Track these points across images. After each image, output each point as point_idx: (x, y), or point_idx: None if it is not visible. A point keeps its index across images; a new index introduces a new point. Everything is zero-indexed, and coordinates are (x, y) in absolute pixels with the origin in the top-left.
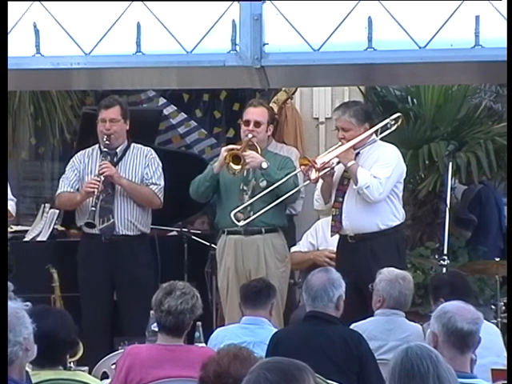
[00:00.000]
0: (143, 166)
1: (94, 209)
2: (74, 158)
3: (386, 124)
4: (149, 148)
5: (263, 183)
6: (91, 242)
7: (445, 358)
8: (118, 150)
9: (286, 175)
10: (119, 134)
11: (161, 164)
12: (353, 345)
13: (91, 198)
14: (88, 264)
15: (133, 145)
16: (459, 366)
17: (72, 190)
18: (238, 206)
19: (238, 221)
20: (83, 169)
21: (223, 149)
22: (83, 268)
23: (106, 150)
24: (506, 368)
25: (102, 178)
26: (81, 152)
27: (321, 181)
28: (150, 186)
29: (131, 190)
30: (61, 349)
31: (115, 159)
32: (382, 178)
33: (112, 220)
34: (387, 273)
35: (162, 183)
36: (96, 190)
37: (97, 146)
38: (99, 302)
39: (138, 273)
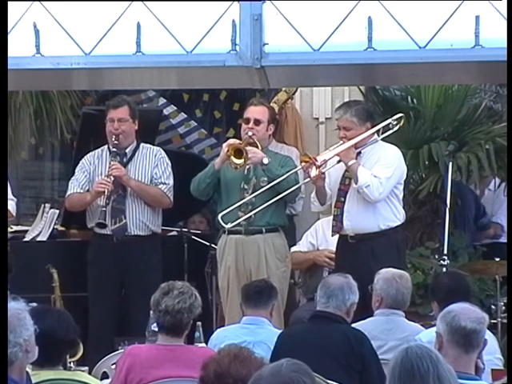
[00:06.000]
0: (152, 166)
1: (104, 209)
2: (83, 160)
3: (388, 124)
4: (158, 148)
5: (264, 181)
6: (102, 242)
7: (449, 357)
8: (127, 151)
9: (287, 173)
10: (128, 134)
11: (170, 163)
12: (355, 343)
13: (101, 199)
14: (98, 264)
15: (142, 145)
16: (463, 367)
17: (82, 191)
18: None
19: (226, 223)
20: (93, 170)
21: (224, 144)
22: (93, 268)
23: (115, 150)
24: (505, 368)
25: (112, 179)
26: (90, 153)
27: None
28: (160, 186)
29: (140, 190)
30: (59, 348)
31: (125, 160)
32: (382, 178)
33: (124, 221)
34: (385, 272)
35: (172, 182)
36: (106, 190)
37: (106, 146)
38: (107, 302)
39: (147, 273)
